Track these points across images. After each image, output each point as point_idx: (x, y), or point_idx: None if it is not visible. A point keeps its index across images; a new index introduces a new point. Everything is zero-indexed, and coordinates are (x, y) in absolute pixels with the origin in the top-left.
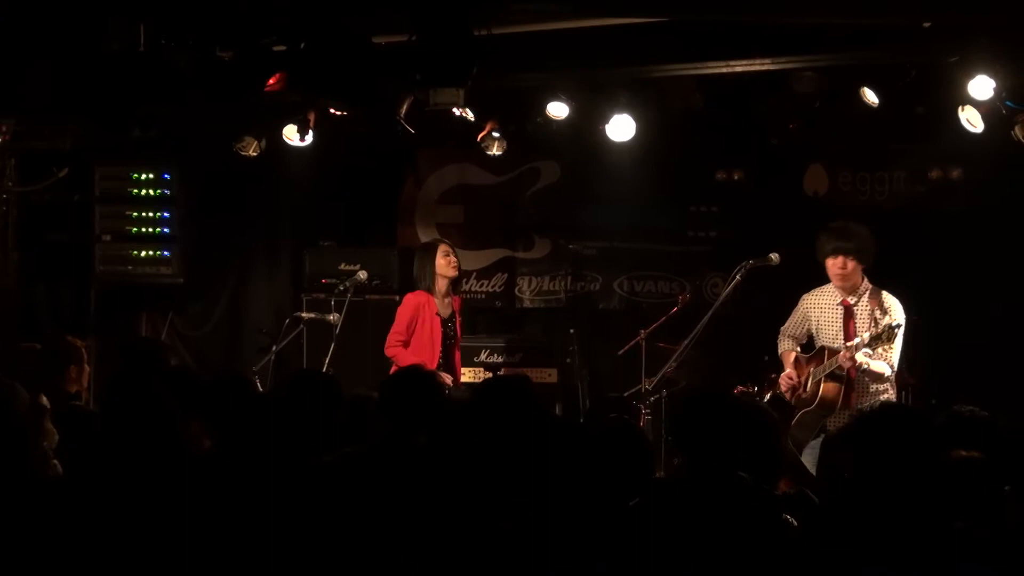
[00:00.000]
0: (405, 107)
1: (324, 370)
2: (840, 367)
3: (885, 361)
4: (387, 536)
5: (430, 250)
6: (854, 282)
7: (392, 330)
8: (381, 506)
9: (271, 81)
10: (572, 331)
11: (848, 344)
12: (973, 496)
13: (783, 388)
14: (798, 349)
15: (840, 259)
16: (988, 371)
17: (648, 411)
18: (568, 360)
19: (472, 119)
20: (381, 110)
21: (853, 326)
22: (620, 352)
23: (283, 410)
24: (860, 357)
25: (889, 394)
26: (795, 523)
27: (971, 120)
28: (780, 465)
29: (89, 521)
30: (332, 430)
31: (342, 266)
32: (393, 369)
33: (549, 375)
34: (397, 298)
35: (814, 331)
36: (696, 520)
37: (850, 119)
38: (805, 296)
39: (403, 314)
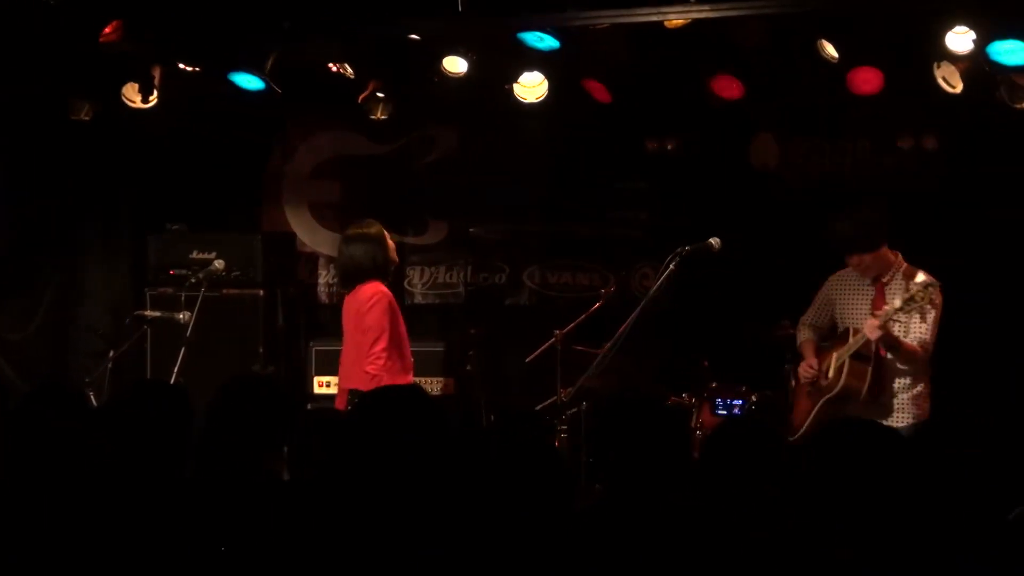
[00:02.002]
0: (270, 62)
1: (172, 380)
2: (868, 342)
3: (917, 340)
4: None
5: (379, 236)
6: (880, 268)
7: (373, 340)
8: (235, 542)
9: (106, 30)
10: (473, 332)
11: (876, 312)
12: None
13: (802, 379)
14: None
15: (854, 258)
16: (975, 371)
17: (564, 428)
18: (468, 367)
19: (352, 76)
20: (241, 65)
21: (884, 305)
22: (530, 358)
23: (121, 429)
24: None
25: (920, 388)
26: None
27: (948, 79)
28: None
29: None
30: (180, 451)
31: (194, 254)
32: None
33: (445, 385)
34: (261, 292)
35: (838, 315)
36: (622, 561)
37: (805, 78)
38: (831, 278)
39: (385, 314)
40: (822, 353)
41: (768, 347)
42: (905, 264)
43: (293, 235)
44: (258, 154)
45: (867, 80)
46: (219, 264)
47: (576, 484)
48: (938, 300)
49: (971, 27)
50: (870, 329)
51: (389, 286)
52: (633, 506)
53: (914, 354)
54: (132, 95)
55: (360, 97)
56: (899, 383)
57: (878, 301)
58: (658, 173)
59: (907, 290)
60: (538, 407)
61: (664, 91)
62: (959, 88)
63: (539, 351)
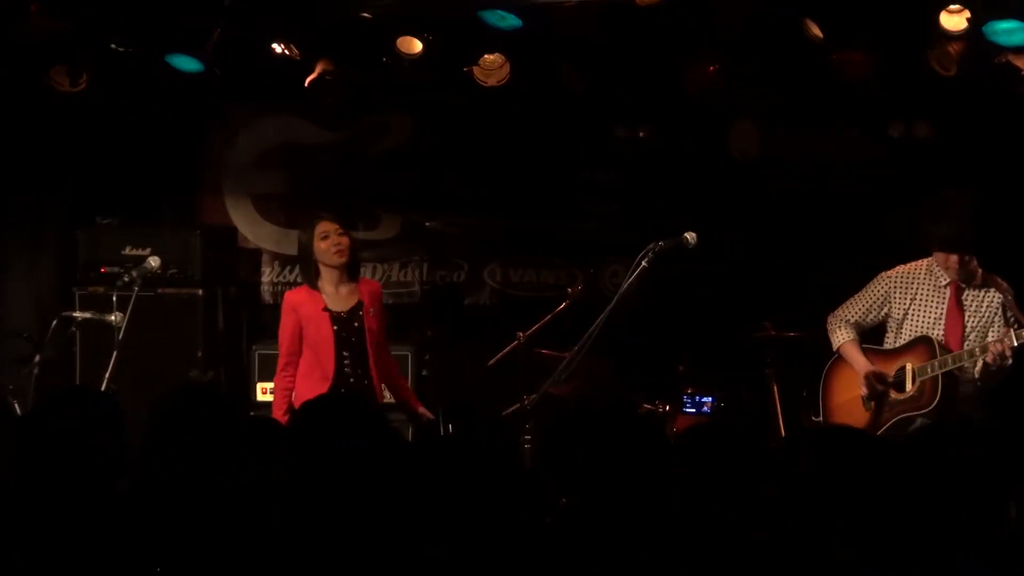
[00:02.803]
0: (211, 42)
1: (103, 387)
2: (993, 358)
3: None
4: None
5: (304, 230)
6: (971, 270)
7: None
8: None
9: (32, 8)
10: (429, 334)
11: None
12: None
13: (867, 390)
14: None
15: (955, 258)
16: None
17: (529, 437)
18: (424, 372)
19: (298, 58)
20: (179, 46)
21: (961, 315)
22: (491, 362)
23: (47, 439)
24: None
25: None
26: None
27: (942, 61)
28: None
29: None
30: (111, 463)
31: (127, 250)
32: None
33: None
34: (200, 292)
35: (899, 316)
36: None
37: (788, 60)
38: (887, 274)
39: (282, 325)
40: (884, 360)
41: (748, 351)
42: (980, 269)
43: (234, 230)
44: (197, 142)
45: (854, 63)
46: (154, 261)
47: (544, 498)
48: None
49: (966, 5)
50: (997, 356)
51: (340, 283)
52: (610, 517)
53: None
54: (60, 78)
55: (307, 80)
56: (976, 400)
57: (953, 307)
58: (630, 163)
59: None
60: (500, 415)
61: (636, 74)
62: (953, 71)
63: (501, 355)
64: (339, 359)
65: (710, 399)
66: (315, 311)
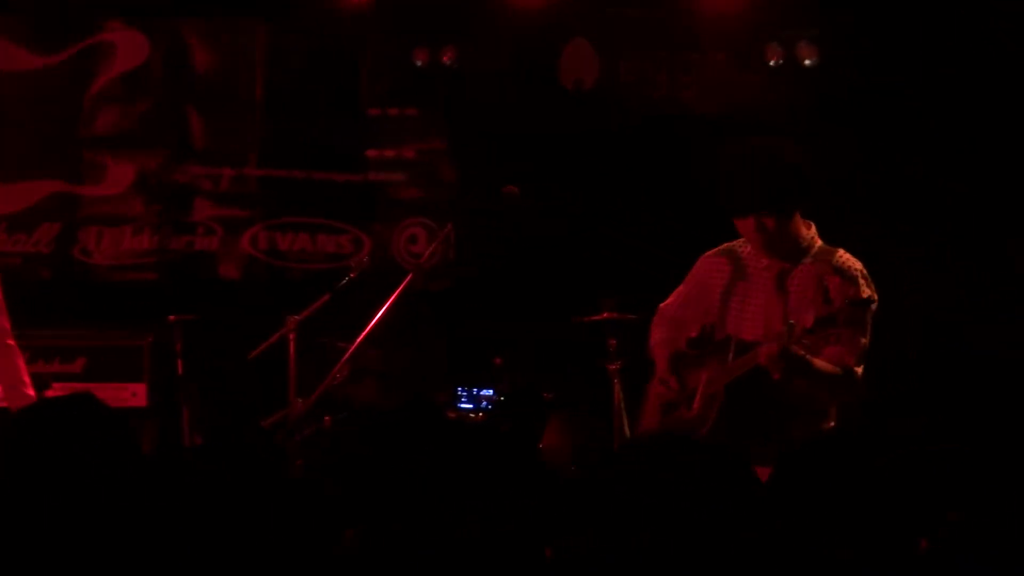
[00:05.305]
0: None
1: None
2: (759, 367)
3: (840, 359)
4: None
5: None
6: (786, 244)
7: None
8: None
9: None
10: (173, 320)
11: (774, 333)
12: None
13: (654, 402)
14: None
15: (750, 221)
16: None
17: (304, 449)
18: (166, 368)
19: None
20: None
21: (782, 304)
22: (253, 354)
23: None
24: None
25: (830, 419)
26: None
27: None
28: None
29: None
30: None
31: None
32: None
33: (133, 394)
34: None
35: (718, 308)
36: None
37: None
38: (708, 255)
39: None
40: (689, 365)
41: (583, 338)
42: (820, 243)
43: None
44: None
45: None
46: None
47: (325, 527)
48: (872, 294)
49: None
50: (765, 357)
51: None
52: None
53: (833, 380)
54: None
55: None
56: (803, 418)
57: (772, 295)
58: (432, 95)
59: (824, 297)
60: (267, 421)
61: None
62: None
63: (266, 344)
64: None
65: (490, 392)
66: None
